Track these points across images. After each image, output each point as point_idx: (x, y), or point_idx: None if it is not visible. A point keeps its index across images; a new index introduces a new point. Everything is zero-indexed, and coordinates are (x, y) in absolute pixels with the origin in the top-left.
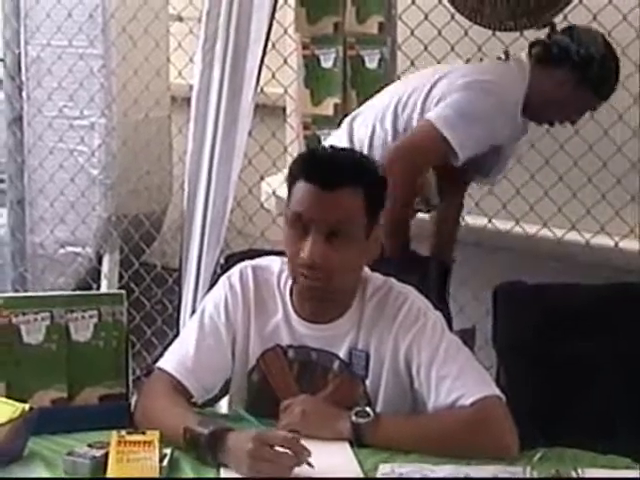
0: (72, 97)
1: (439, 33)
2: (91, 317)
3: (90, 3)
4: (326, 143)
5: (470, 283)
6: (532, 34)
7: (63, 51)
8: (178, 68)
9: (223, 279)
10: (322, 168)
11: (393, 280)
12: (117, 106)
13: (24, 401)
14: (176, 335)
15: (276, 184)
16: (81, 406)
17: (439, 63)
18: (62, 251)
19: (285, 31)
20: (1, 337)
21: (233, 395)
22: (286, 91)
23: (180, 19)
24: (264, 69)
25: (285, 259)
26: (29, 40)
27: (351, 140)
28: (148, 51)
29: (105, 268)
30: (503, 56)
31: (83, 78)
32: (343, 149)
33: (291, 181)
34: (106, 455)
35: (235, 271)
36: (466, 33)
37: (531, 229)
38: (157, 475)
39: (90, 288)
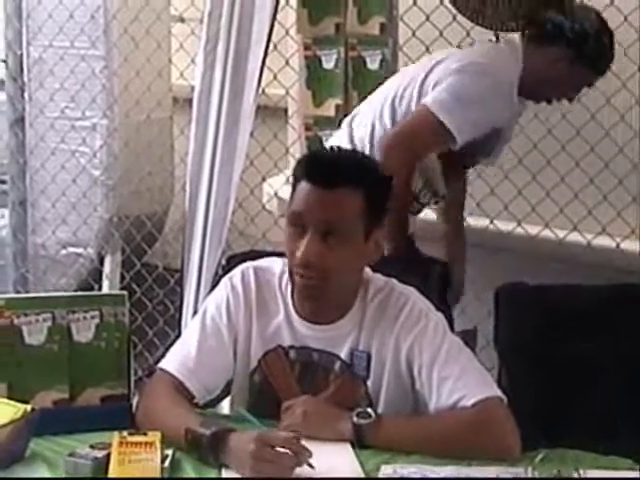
0: (74, 98)
1: (441, 34)
2: (93, 318)
3: (92, 4)
4: (327, 145)
5: (472, 284)
6: None
7: (65, 52)
8: (180, 69)
9: (225, 280)
10: (323, 168)
11: (395, 281)
12: (119, 107)
13: (26, 402)
14: (178, 336)
15: (278, 185)
16: (83, 407)
17: None
18: (64, 252)
19: (287, 32)
20: (3, 338)
21: (235, 396)
22: (288, 92)
23: (182, 20)
24: (266, 70)
25: (286, 260)
26: (31, 41)
27: (352, 140)
28: (150, 52)
29: (107, 269)
30: (494, 38)
31: (85, 79)
32: (346, 150)
33: (294, 182)
34: (108, 456)
35: (237, 272)
36: (468, 34)
37: (533, 230)
38: (159, 476)
39: (92, 289)
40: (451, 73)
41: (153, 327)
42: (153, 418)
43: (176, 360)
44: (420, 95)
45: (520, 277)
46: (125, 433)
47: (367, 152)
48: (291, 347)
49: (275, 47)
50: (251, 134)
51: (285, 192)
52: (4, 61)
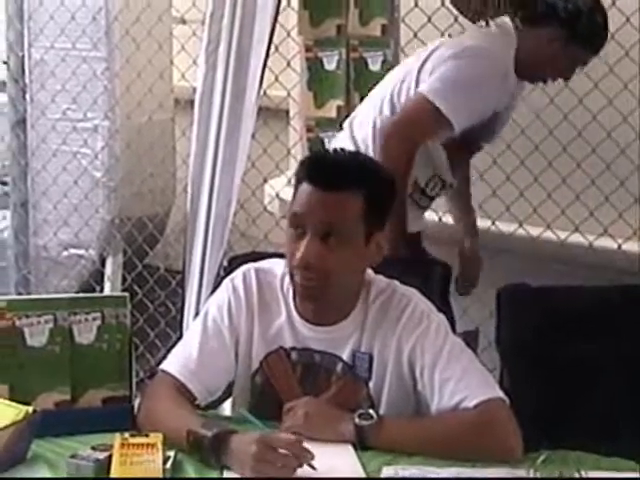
0: (75, 100)
1: (442, 35)
2: (94, 319)
3: (93, 6)
4: (330, 147)
5: None
6: None
7: (66, 54)
8: (181, 70)
9: (226, 282)
10: (324, 170)
11: (396, 282)
12: (120, 109)
13: (27, 404)
14: (179, 337)
15: (279, 186)
16: (84, 408)
17: None
18: (65, 253)
19: (288, 34)
20: (4, 340)
21: (236, 397)
22: (289, 94)
23: (183, 22)
24: (267, 72)
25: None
26: (33, 42)
27: (354, 142)
28: (151, 54)
29: (108, 270)
30: (484, 24)
31: (86, 81)
32: (349, 152)
33: (296, 183)
34: (109, 458)
35: (238, 274)
36: None
37: (534, 231)
38: (160, 477)
39: (93, 290)
40: (446, 59)
41: (155, 328)
42: (155, 419)
43: (178, 362)
44: (417, 85)
45: (522, 278)
46: (127, 435)
47: (370, 152)
48: (293, 348)
49: (277, 49)
50: (253, 135)
51: (287, 193)
52: (5, 63)
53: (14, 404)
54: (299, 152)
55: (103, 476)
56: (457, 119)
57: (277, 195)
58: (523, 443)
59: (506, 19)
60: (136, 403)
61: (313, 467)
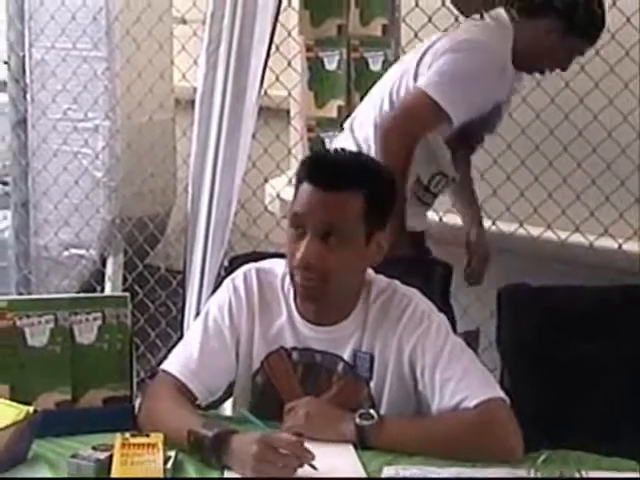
0: (76, 100)
1: None
2: (95, 319)
3: (94, 6)
4: (331, 148)
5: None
6: None
7: (67, 54)
8: (182, 71)
9: (227, 282)
10: (325, 170)
11: (397, 282)
12: (121, 109)
13: (28, 404)
14: (180, 337)
15: (280, 186)
16: (85, 408)
17: None
18: (66, 253)
19: (289, 33)
20: (5, 340)
21: (237, 397)
22: (290, 93)
23: (184, 22)
24: (268, 71)
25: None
26: (33, 42)
27: (356, 142)
28: (152, 54)
29: (109, 270)
30: (478, 16)
31: (87, 81)
32: (350, 152)
33: (297, 183)
34: (110, 458)
35: (239, 274)
36: None
37: (535, 231)
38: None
39: (94, 290)
40: (443, 53)
41: (155, 329)
42: (155, 420)
43: (178, 362)
44: (416, 79)
45: (522, 278)
46: (127, 435)
47: (373, 152)
48: (294, 348)
49: (277, 48)
50: (253, 135)
51: (287, 193)
52: (6, 62)
53: (15, 404)
54: (300, 152)
55: (104, 476)
56: (455, 112)
57: (278, 195)
58: (524, 443)
59: (501, 11)
60: (137, 403)
61: (314, 467)
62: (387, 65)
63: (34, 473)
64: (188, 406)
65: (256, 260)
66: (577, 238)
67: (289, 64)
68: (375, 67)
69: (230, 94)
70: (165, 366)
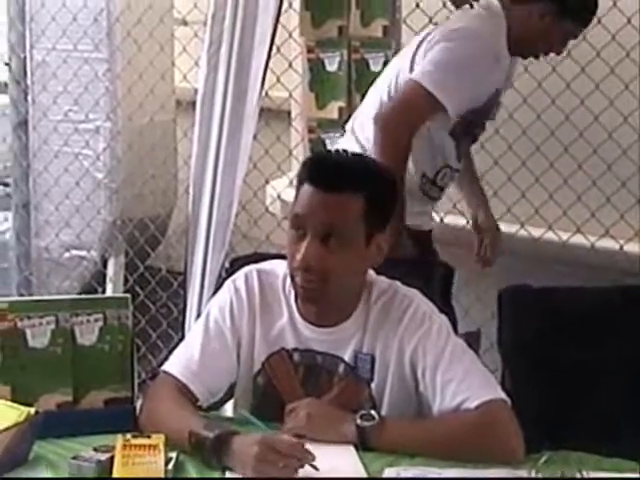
0: (77, 101)
1: None
2: (96, 321)
3: (95, 7)
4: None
5: (475, 286)
6: None
7: (68, 55)
8: (183, 72)
9: (228, 283)
10: (326, 171)
11: (398, 283)
12: (122, 110)
13: (29, 405)
14: (181, 339)
15: (281, 188)
16: (86, 410)
17: None
18: (67, 255)
19: (290, 35)
20: (6, 341)
21: (238, 398)
22: (291, 95)
23: (185, 23)
24: (269, 73)
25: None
26: (34, 44)
27: (359, 143)
28: (153, 55)
29: (110, 272)
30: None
31: (88, 82)
32: (351, 153)
33: (298, 184)
34: (111, 459)
35: (240, 275)
36: None
37: (536, 232)
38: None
39: (95, 292)
40: (437, 42)
41: (156, 330)
42: (157, 421)
43: (179, 363)
44: (412, 71)
45: (523, 279)
46: (129, 436)
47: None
48: (295, 350)
49: (278, 50)
50: (254, 137)
51: (288, 194)
52: (7, 64)
53: (16, 405)
54: (301, 153)
55: (105, 477)
56: (450, 101)
57: (279, 196)
58: (525, 444)
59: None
60: (138, 404)
61: (315, 467)
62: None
63: (35, 474)
64: (189, 407)
65: (257, 261)
66: (578, 239)
67: (290, 65)
68: (376, 68)
69: (231, 95)
70: (166, 367)
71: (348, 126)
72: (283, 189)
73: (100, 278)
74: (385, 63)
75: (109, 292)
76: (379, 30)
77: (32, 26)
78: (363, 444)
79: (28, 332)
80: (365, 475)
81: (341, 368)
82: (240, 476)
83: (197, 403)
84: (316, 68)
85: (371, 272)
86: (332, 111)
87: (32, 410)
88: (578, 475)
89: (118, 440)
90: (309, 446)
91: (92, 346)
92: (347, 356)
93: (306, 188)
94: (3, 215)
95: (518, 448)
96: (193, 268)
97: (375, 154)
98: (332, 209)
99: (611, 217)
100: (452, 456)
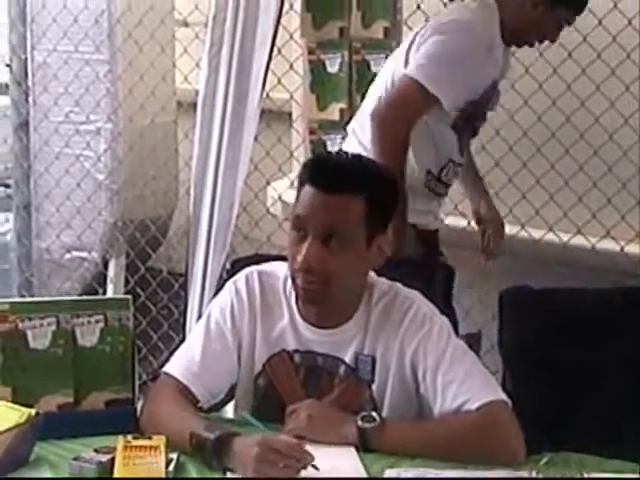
0: (78, 102)
1: None
2: (97, 322)
3: (96, 8)
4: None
5: (476, 287)
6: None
7: (69, 56)
8: (184, 73)
9: (229, 284)
10: (327, 173)
11: (399, 285)
12: (123, 111)
13: (30, 406)
14: (182, 340)
15: (282, 189)
16: (87, 411)
17: None
18: (68, 256)
19: (291, 36)
20: (7, 342)
21: (239, 400)
22: (292, 96)
23: (186, 24)
24: (270, 74)
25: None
26: (35, 45)
27: (362, 144)
28: (154, 56)
29: (111, 273)
30: None
31: (89, 83)
32: (352, 155)
33: (299, 186)
34: (112, 460)
35: (241, 276)
36: None
37: (537, 234)
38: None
39: (96, 293)
40: (430, 35)
41: (157, 331)
42: (157, 422)
43: (180, 364)
44: (406, 66)
45: (524, 281)
46: (130, 437)
47: None
48: (296, 351)
49: (279, 51)
50: (255, 138)
51: (289, 196)
52: (8, 65)
53: (17, 407)
54: (302, 154)
55: (106, 478)
56: (444, 94)
57: (280, 197)
58: (525, 445)
59: None
60: (139, 406)
61: (316, 467)
62: None
63: (36, 475)
64: (190, 408)
65: (258, 263)
66: (579, 240)
67: (291, 67)
68: (377, 69)
69: (232, 97)
70: (167, 369)
71: (349, 129)
72: (284, 190)
73: (101, 279)
74: None
75: (110, 293)
76: (380, 31)
77: (33, 27)
78: (364, 445)
79: (29, 333)
80: (366, 476)
81: (342, 370)
82: (241, 477)
83: (198, 404)
84: (317, 69)
85: (372, 274)
86: (333, 112)
87: (33, 411)
88: (579, 476)
89: (119, 441)
90: (310, 447)
91: (93, 347)
92: (348, 358)
93: (307, 189)
94: (4, 216)
95: (519, 449)
96: (194, 269)
97: (373, 151)
98: (333, 210)
99: (612, 218)
100: (453, 457)
